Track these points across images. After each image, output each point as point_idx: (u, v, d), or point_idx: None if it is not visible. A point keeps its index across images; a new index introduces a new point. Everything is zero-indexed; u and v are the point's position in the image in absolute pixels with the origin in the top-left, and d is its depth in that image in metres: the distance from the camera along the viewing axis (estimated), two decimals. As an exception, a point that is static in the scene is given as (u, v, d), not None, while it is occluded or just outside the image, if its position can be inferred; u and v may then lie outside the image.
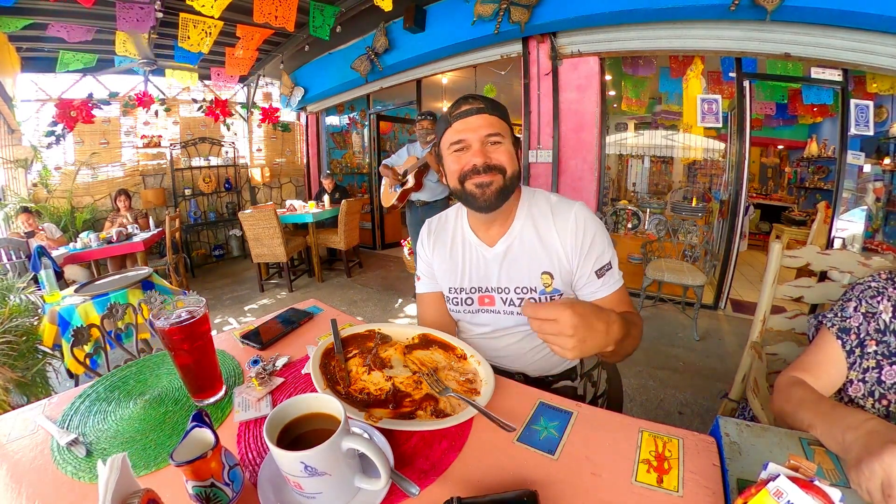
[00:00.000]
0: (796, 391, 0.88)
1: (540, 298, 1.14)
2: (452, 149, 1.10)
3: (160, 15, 3.93)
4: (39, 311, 2.67)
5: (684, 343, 3.39)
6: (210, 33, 4.06)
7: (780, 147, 7.42)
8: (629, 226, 4.55)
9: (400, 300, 4.44)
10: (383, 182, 4.17)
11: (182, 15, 3.91)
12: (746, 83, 3.76)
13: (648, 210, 4.72)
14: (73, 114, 5.36)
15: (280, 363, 1.03)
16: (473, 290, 1.22)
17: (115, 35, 4.29)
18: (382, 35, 4.93)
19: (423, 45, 4.65)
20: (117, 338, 1.60)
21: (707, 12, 3.18)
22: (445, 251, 1.25)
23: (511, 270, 1.16)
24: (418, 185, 3.92)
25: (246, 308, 4.51)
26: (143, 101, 5.92)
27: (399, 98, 6.34)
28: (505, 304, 1.18)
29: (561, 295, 1.15)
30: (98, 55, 4.84)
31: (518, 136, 1.19)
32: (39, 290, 2.82)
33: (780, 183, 7.53)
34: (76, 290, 2.70)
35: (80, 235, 4.35)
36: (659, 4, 3.21)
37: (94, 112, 5.54)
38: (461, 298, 1.23)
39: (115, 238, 4.34)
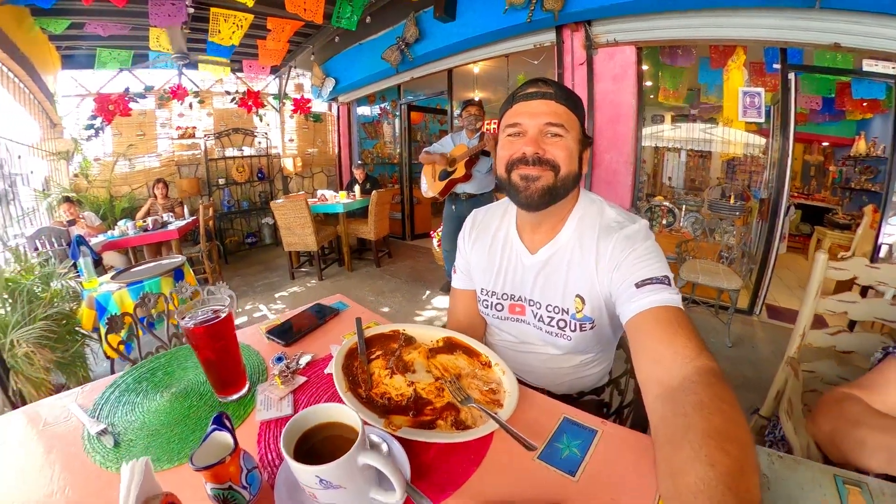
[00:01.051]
0: (852, 407, 0.82)
1: (570, 322, 1.04)
2: (507, 132, 1.00)
3: (191, 10, 4.01)
4: (79, 296, 2.80)
5: (716, 349, 3.24)
6: (241, 27, 4.11)
7: (825, 144, 6.92)
8: (664, 223, 4.40)
9: (427, 292, 4.44)
10: (425, 173, 3.98)
11: (212, 9, 3.97)
12: (791, 76, 3.52)
13: (684, 207, 4.54)
14: (111, 107, 5.57)
15: (304, 361, 1.03)
16: (505, 297, 1.14)
17: (149, 31, 4.42)
18: (413, 25, 4.88)
19: (454, 34, 4.58)
20: (149, 325, 1.64)
21: None
22: (485, 248, 1.18)
23: (547, 285, 1.07)
24: (467, 176, 3.70)
25: (276, 295, 4.59)
26: (178, 93, 6.07)
27: (430, 88, 6.30)
28: (535, 318, 1.09)
29: (593, 324, 1.02)
30: (133, 51, 4.99)
31: (590, 137, 1.05)
32: (79, 276, 2.95)
33: (824, 182, 7.03)
34: (112, 278, 2.80)
35: (118, 223, 4.52)
36: None
37: (131, 105, 5.73)
38: (491, 302, 1.16)
39: (150, 226, 4.48)
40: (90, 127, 5.60)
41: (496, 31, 4.22)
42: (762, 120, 3.80)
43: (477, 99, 3.78)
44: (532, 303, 1.10)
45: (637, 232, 0.97)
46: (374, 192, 5.15)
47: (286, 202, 4.76)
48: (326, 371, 1.00)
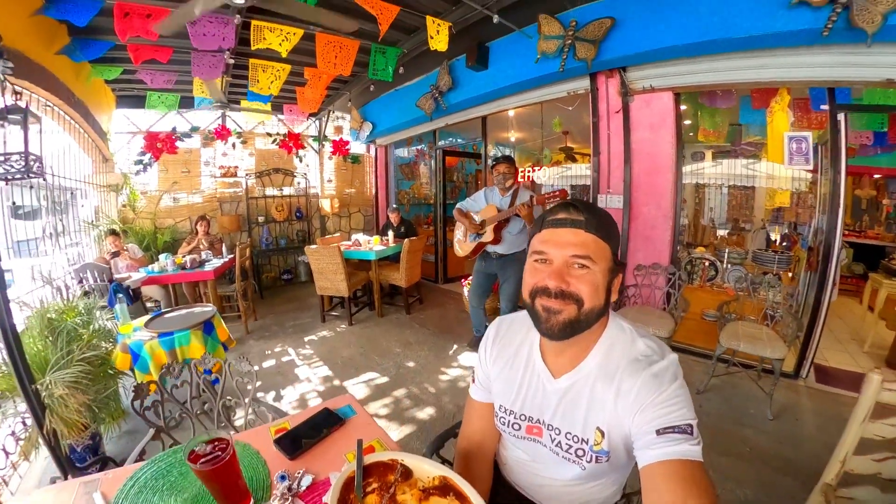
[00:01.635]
0: None
1: (588, 453, 0.99)
2: (534, 257, 0.98)
3: (231, 61, 4.21)
4: (114, 339, 2.87)
5: (755, 422, 2.92)
6: (279, 77, 4.27)
7: (877, 176, 6.47)
8: (705, 277, 4.17)
9: (455, 346, 4.30)
10: (457, 228, 4.00)
11: (251, 61, 4.14)
12: (841, 116, 3.26)
13: (726, 257, 4.30)
14: (159, 145, 5.92)
15: (305, 483, 1.04)
16: (524, 418, 1.09)
17: (194, 79, 4.67)
18: (446, 73, 4.96)
19: (487, 83, 4.60)
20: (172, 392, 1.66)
21: (793, 39, 2.81)
22: (506, 366, 1.14)
23: (567, 412, 1.02)
24: (496, 239, 3.66)
25: (306, 339, 4.58)
26: (222, 134, 6.39)
27: (465, 132, 6.36)
28: (553, 442, 1.05)
29: (608, 457, 0.97)
30: (181, 94, 5.28)
31: (622, 262, 1.02)
32: (116, 320, 3.04)
33: (877, 217, 6.61)
34: (146, 324, 2.85)
35: (160, 257, 4.75)
36: (737, 34, 2.91)
37: (178, 144, 6.08)
38: (509, 420, 1.12)
39: (188, 265, 4.62)
40: (139, 162, 5.95)
41: (529, 80, 4.21)
42: (810, 167, 3.59)
43: (505, 155, 3.72)
44: (551, 427, 1.05)
45: (665, 370, 0.92)
46: (406, 240, 5.13)
47: (320, 248, 4.81)
48: (324, 499, 1.00)
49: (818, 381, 3.48)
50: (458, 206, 3.95)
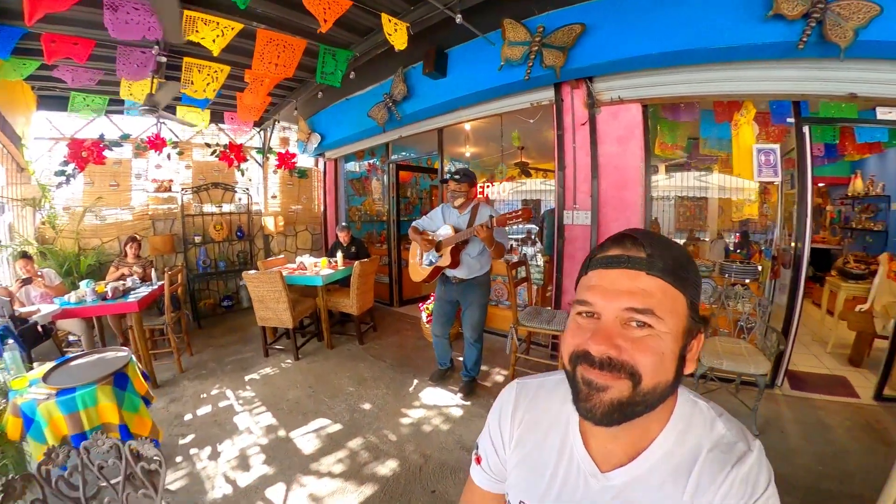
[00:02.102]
0: None
1: None
2: (577, 308, 0.69)
3: (163, 59, 3.72)
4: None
5: None
6: (216, 79, 3.82)
7: (821, 185, 7.00)
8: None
9: (415, 381, 3.85)
10: (412, 249, 3.65)
11: (186, 59, 3.69)
12: (806, 128, 3.36)
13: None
14: (85, 154, 5.23)
15: None
16: None
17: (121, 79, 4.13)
18: (401, 82, 4.63)
19: (445, 92, 4.32)
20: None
21: (767, 51, 2.82)
22: (532, 451, 0.82)
23: None
24: (454, 263, 3.30)
25: (247, 378, 4.03)
26: (156, 143, 5.75)
27: (420, 146, 6.03)
28: None
29: None
30: (108, 97, 4.71)
31: (704, 318, 0.71)
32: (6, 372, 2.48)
33: (822, 223, 7.11)
34: (44, 378, 2.32)
35: (81, 284, 4.08)
36: (714, 44, 2.83)
37: (106, 153, 5.40)
38: None
39: (110, 294, 4.00)
40: (61, 173, 5.22)
41: (490, 89, 3.97)
42: (778, 179, 3.56)
43: (459, 169, 3.35)
44: None
45: (757, 468, 0.66)
46: (356, 263, 4.68)
47: (259, 274, 4.28)
48: None
49: (793, 387, 3.51)
50: (413, 224, 3.59)
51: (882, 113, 3.19)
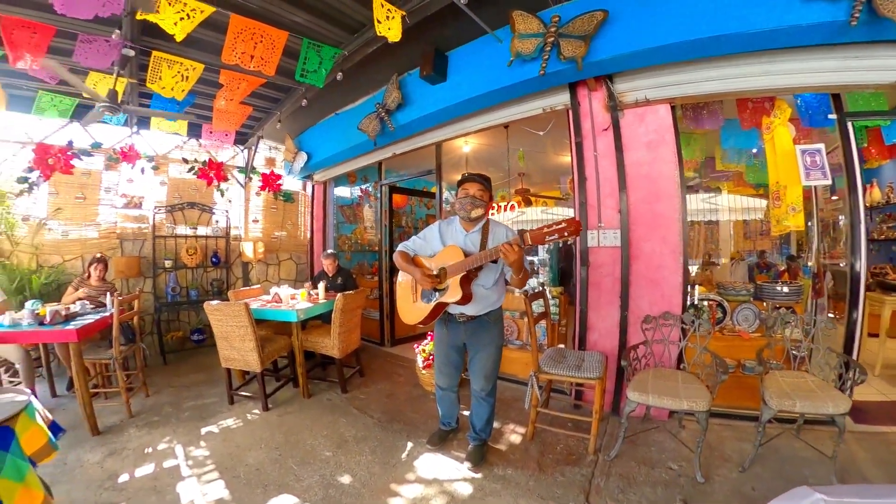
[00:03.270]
0: None
1: None
2: None
3: (131, 53, 3.25)
4: None
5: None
6: (187, 77, 3.34)
7: (835, 198, 6.55)
8: (714, 322, 3.44)
9: (409, 444, 3.04)
10: (401, 279, 2.83)
11: (154, 53, 3.23)
12: (849, 124, 2.98)
13: (730, 295, 3.63)
14: (51, 161, 4.63)
15: None
16: None
17: (87, 77, 3.66)
18: (395, 89, 4.16)
19: (445, 97, 3.84)
20: None
21: (812, 34, 2.43)
22: None
23: None
24: (466, 297, 2.44)
25: (204, 431, 3.28)
26: (129, 155, 5.20)
27: (416, 167, 5.49)
28: None
29: None
30: (78, 100, 4.27)
31: None
32: None
33: (837, 237, 6.68)
34: None
35: (26, 304, 3.45)
36: (752, 27, 2.43)
37: (74, 162, 4.82)
38: None
39: (48, 319, 3.36)
40: (24, 180, 4.65)
41: (497, 91, 3.48)
42: (829, 181, 3.12)
43: (478, 173, 2.62)
44: None
45: None
46: (339, 295, 3.92)
47: (222, 305, 3.59)
48: None
49: (857, 421, 2.97)
50: (400, 247, 2.76)
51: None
